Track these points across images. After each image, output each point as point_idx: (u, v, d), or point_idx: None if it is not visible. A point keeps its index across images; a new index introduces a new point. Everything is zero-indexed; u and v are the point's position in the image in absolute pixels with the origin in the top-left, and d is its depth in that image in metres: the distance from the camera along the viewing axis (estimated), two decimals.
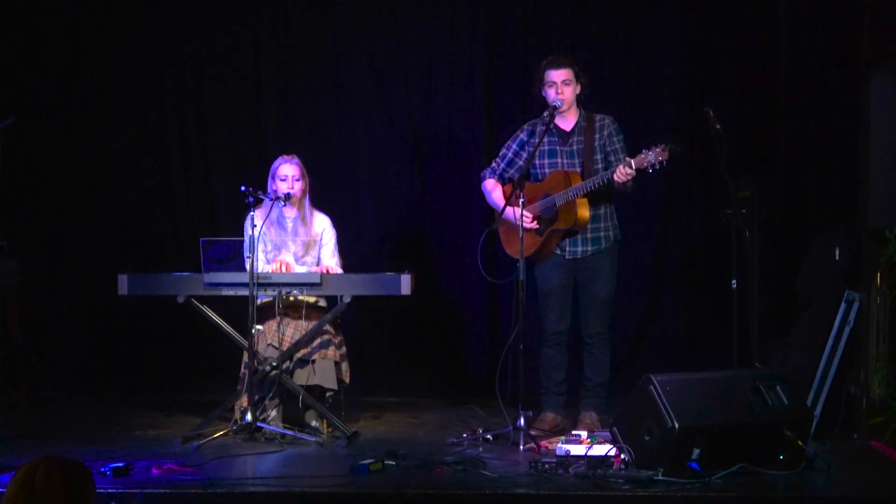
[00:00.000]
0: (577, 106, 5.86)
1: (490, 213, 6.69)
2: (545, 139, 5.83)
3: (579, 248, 5.82)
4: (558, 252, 5.85)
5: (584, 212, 5.71)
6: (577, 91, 5.82)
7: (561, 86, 5.75)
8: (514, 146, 5.97)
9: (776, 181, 6.78)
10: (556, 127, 5.83)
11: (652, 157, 5.41)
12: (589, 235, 5.80)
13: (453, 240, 7.29)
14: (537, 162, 5.86)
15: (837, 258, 5.99)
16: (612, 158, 5.80)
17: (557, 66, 5.77)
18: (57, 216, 7.37)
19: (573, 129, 5.84)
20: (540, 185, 5.83)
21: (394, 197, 7.33)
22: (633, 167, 5.47)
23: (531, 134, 5.91)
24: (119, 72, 7.32)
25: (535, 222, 5.77)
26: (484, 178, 6.05)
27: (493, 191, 6.01)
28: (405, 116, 7.30)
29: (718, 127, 5.54)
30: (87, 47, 7.30)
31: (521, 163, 5.92)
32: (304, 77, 7.34)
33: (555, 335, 5.88)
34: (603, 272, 5.82)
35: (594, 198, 5.74)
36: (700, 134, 6.82)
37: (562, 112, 5.79)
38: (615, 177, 5.53)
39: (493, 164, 6.04)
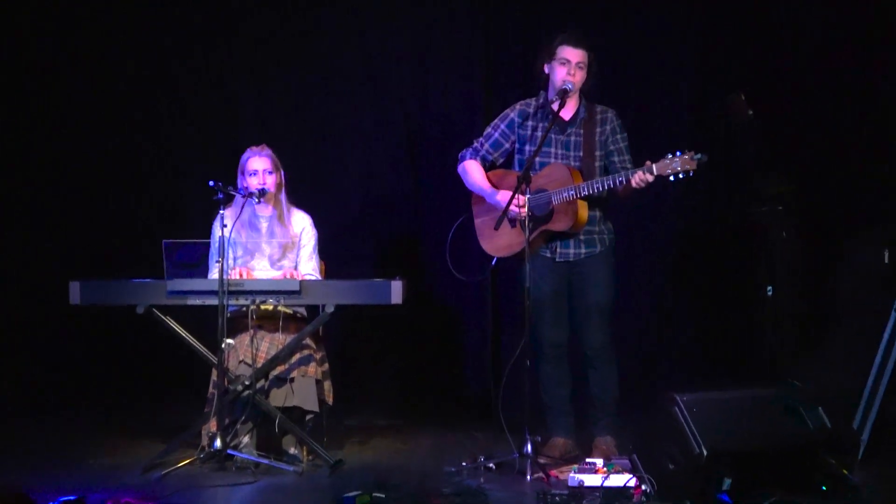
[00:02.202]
0: (579, 94, 5.83)
1: None
2: (539, 124, 5.80)
3: (571, 251, 5.80)
4: (547, 254, 5.82)
5: (585, 214, 5.68)
6: (584, 78, 5.77)
7: (574, 67, 5.70)
8: (503, 126, 5.91)
9: (812, 174, 6.76)
10: (555, 114, 5.78)
11: (678, 164, 5.33)
12: (582, 237, 5.78)
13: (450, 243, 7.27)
14: (527, 148, 5.82)
15: (886, 262, 5.97)
16: (616, 158, 5.77)
17: (576, 44, 5.71)
18: (2, 217, 7.35)
19: (572, 119, 5.82)
20: (533, 177, 5.71)
21: (384, 193, 7.34)
22: (655, 173, 5.41)
23: (525, 116, 5.87)
24: (73, 55, 7.31)
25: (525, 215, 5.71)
26: (462, 159, 5.98)
27: (474, 172, 5.93)
28: (397, 104, 7.32)
29: (751, 113, 5.51)
30: (39, 35, 7.29)
31: (507, 146, 5.90)
32: (283, 60, 7.36)
33: (552, 349, 5.85)
34: (600, 275, 5.79)
35: (591, 198, 5.72)
36: (724, 121, 6.81)
37: (566, 97, 5.76)
38: (633, 182, 5.46)
39: (475, 144, 5.97)
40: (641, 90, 7.06)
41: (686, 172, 5.33)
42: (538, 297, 5.76)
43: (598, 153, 5.76)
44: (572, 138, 5.79)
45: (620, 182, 5.52)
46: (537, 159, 5.76)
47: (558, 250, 5.80)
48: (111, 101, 7.38)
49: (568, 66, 5.71)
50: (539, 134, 5.78)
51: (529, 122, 5.83)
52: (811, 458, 4.88)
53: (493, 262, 5.92)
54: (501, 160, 5.95)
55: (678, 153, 5.34)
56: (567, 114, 5.81)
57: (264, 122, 7.28)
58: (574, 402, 5.93)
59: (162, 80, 7.39)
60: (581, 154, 5.75)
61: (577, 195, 5.61)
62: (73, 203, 7.39)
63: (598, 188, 5.57)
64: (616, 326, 5.97)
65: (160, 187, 7.40)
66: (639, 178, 5.44)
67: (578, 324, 5.84)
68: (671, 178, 5.37)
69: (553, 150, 5.80)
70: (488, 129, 5.96)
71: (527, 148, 5.82)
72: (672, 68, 7.12)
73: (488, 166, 5.97)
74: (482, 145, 5.94)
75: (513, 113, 5.90)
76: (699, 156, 5.30)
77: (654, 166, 5.40)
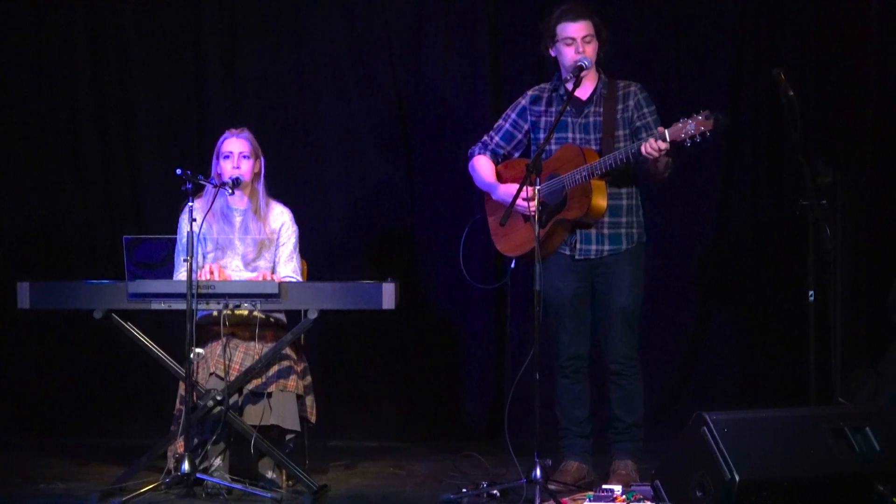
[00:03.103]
0: (597, 69, 5.82)
1: None
2: (553, 108, 5.80)
3: (593, 247, 5.78)
4: (566, 251, 5.79)
5: (600, 198, 5.65)
6: (599, 48, 5.76)
7: (581, 43, 5.70)
8: (514, 116, 5.91)
9: (864, 163, 6.75)
10: (570, 94, 5.75)
11: (692, 126, 5.35)
12: (606, 231, 5.76)
13: (449, 240, 7.24)
14: (542, 136, 5.80)
15: None
16: (644, 135, 5.72)
17: (575, 17, 5.71)
18: None
19: (590, 98, 5.80)
20: (544, 164, 5.69)
21: (372, 184, 7.34)
22: (668, 139, 5.40)
23: (536, 100, 5.85)
24: (16, 26, 7.28)
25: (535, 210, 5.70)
26: (472, 156, 6.00)
27: (481, 168, 5.93)
28: (387, 79, 7.30)
29: (791, 93, 5.50)
30: None
31: (520, 137, 5.90)
32: (255, 29, 7.34)
33: (571, 361, 5.83)
34: (625, 278, 5.76)
35: (616, 184, 5.69)
36: (766, 103, 6.81)
37: (580, 75, 5.73)
38: (643, 150, 5.46)
39: (485, 138, 5.99)
40: (672, 66, 7.05)
41: (702, 135, 5.34)
42: (556, 301, 5.76)
43: (620, 132, 5.73)
44: (591, 119, 5.78)
45: (634, 154, 5.50)
46: (554, 146, 5.75)
47: (578, 246, 5.77)
48: (58, 76, 7.36)
49: (574, 45, 5.70)
50: (551, 119, 5.78)
51: (542, 107, 5.81)
52: (858, 486, 4.85)
53: (513, 265, 5.89)
54: (516, 154, 5.94)
55: (692, 114, 5.35)
56: (583, 93, 5.80)
57: (235, 104, 7.27)
58: (593, 421, 5.90)
59: (116, 53, 7.35)
60: (600, 136, 5.73)
61: (590, 175, 5.60)
62: (20, 193, 7.35)
63: (610, 164, 5.56)
64: (643, 337, 5.94)
65: (119, 176, 7.37)
66: (651, 145, 5.42)
67: (601, 333, 5.83)
68: (687, 142, 5.38)
69: (570, 134, 5.79)
70: (499, 121, 5.98)
71: (541, 135, 5.80)
72: (707, 40, 7.13)
73: (500, 159, 5.97)
74: (492, 139, 5.96)
75: (524, 100, 5.91)
76: (715, 114, 5.31)
77: (665, 132, 5.40)
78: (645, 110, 5.76)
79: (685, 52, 7.11)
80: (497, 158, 5.95)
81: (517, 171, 5.83)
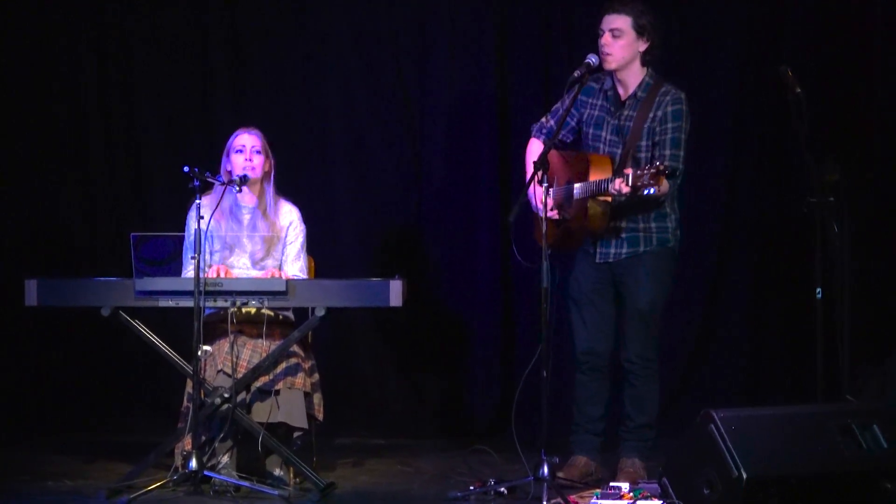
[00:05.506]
0: (646, 67, 5.73)
1: (506, 203, 6.67)
2: (598, 102, 5.77)
3: (612, 251, 5.77)
4: (589, 250, 5.81)
5: (597, 216, 5.61)
6: (641, 49, 5.67)
7: (609, 35, 5.65)
8: (568, 101, 5.81)
9: (871, 160, 6.74)
10: (613, 90, 5.75)
11: (647, 177, 5.32)
12: (624, 235, 5.74)
13: (457, 238, 7.27)
14: (584, 130, 5.81)
15: None
16: (657, 152, 5.63)
17: (610, 9, 5.66)
18: None
19: (628, 100, 5.74)
20: (569, 165, 5.74)
21: (380, 183, 7.34)
22: (630, 185, 5.34)
23: (589, 92, 5.80)
24: (20, 22, 7.27)
25: (555, 211, 5.68)
26: (530, 136, 5.97)
27: (529, 153, 5.91)
28: (393, 77, 7.29)
29: (799, 90, 5.48)
30: None
31: (573, 123, 5.84)
32: (261, 32, 7.33)
33: (586, 356, 5.83)
34: (640, 277, 5.74)
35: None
36: (771, 101, 6.80)
37: (616, 72, 5.67)
38: (610, 187, 5.44)
39: (542, 119, 5.94)
40: (677, 65, 7.01)
41: (653, 187, 5.29)
42: (575, 293, 5.81)
43: (643, 142, 5.63)
44: (622, 122, 5.72)
45: (605, 189, 5.46)
46: (589, 142, 5.77)
47: (598, 249, 5.77)
48: (63, 75, 7.35)
49: (603, 36, 5.66)
50: (596, 113, 5.76)
51: (590, 100, 5.80)
52: (865, 483, 4.86)
53: (549, 251, 5.86)
54: (571, 138, 5.90)
55: (649, 167, 5.31)
56: (625, 92, 5.74)
57: (240, 103, 7.27)
58: (604, 422, 5.87)
59: (121, 53, 7.35)
60: (625, 141, 5.68)
61: (587, 193, 5.58)
62: (25, 192, 7.34)
63: (590, 190, 5.55)
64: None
65: (124, 175, 7.37)
66: (615, 186, 5.40)
67: (619, 331, 5.81)
68: (643, 191, 5.32)
69: (604, 134, 5.76)
70: (556, 104, 5.92)
71: (583, 129, 5.80)
72: (712, 39, 7.13)
73: (553, 144, 5.86)
74: (548, 120, 5.89)
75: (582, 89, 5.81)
76: (666, 171, 5.28)
77: (630, 176, 5.34)
78: (668, 125, 5.63)
79: (690, 51, 7.09)
80: (551, 142, 5.77)
81: (555, 164, 5.77)
